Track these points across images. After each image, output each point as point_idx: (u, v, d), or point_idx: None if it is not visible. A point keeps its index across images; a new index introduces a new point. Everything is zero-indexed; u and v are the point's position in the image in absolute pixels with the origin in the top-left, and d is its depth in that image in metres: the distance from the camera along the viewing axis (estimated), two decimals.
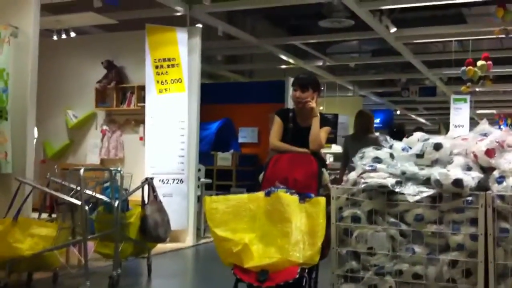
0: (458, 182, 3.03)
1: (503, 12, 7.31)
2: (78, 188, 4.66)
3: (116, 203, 4.87)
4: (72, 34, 8.14)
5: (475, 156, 3.19)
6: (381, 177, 3.22)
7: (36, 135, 6.48)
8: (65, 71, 8.22)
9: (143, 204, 5.34)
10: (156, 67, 7.25)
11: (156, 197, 5.40)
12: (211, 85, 12.39)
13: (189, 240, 7.32)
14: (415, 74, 13.18)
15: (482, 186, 3.06)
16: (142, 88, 7.53)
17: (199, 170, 7.83)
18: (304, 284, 3.16)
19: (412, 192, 3.12)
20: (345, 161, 6.06)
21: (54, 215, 5.13)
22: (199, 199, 7.55)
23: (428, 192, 3.10)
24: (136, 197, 5.48)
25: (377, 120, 15.47)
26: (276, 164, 3.76)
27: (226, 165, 9.92)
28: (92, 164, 7.77)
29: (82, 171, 4.56)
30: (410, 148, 3.43)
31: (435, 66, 12.52)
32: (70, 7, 7.39)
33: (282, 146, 3.91)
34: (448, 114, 12.57)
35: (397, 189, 3.16)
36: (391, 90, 16.11)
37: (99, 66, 7.83)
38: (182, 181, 7.15)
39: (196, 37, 7.43)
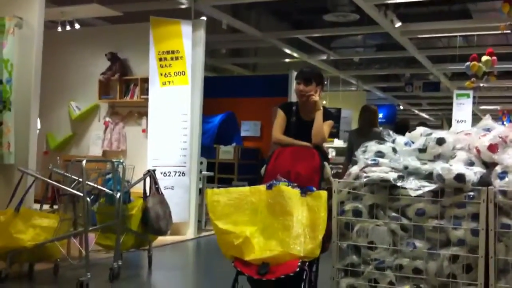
0: (460, 177, 3.02)
1: (509, 7, 7.26)
2: (80, 180, 4.67)
3: (118, 195, 4.87)
4: (77, 26, 8.13)
5: (478, 151, 3.18)
6: (383, 171, 3.22)
7: (39, 126, 6.49)
8: (69, 62, 8.22)
9: (144, 196, 5.34)
10: (160, 59, 7.24)
11: (158, 189, 5.41)
12: (215, 78, 12.38)
13: (190, 232, 7.34)
14: (419, 69, 13.14)
15: (484, 181, 3.05)
16: (145, 81, 7.53)
17: (201, 163, 7.84)
18: (304, 277, 3.16)
19: (414, 186, 3.11)
20: (350, 155, 6.07)
21: (55, 206, 5.14)
22: (201, 192, 7.56)
23: (430, 186, 3.09)
24: (138, 189, 5.49)
25: (380, 115, 15.37)
26: (278, 157, 3.75)
27: (228, 158, 9.92)
28: (95, 156, 7.79)
29: (84, 162, 4.57)
30: (413, 142, 3.42)
31: (440, 61, 12.48)
32: None
33: (284, 140, 3.90)
34: (452, 109, 12.55)
35: (399, 184, 3.15)
36: (395, 85, 16.08)
37: (102, 58, 7.83)
38: (184, 174, 7.15)
39: (200, 30, 7.42)
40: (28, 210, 4.76)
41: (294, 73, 4.16)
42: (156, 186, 5.40)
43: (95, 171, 5.44)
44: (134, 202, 5.31)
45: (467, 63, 9.16)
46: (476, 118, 11.48)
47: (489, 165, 3.15)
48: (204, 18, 7.62)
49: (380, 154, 3.38)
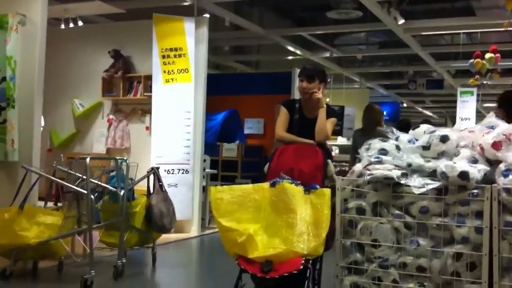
0: (464, 175, 3.02)
1: None
2: (84, 177, 4.68)
3: (122, 192, 4.88)
4: (80, 23, 8.14)
5: (482, 148, 3.18)
6: (387, 169, 3.22)
7: (42, 123, 6.50)
8: (72, 60, 8.23)
9: (148, 193, 5.35)
10: (163, 56, 7.25)
11: (161, 187, 5.41)
12: (218, 75, 12.38)
13: (194, 230, 7.35)
14: (423, 66, 13.11)
15: (488, 179, 3.05)
16: (148, 78, 7.54)
17: (205, 160, 7.84)
18: (308, 275, 3.16)
19: (417, 184, 3.11)
20: (354, 155, 6.08)
21: (60, 204, 5.15)
22: (204, 190, 7.56)
23: (433, 184, 3.09)
24: (141, 186, 5.49)
25: (384, 113, 15.41)
26: (281, 155, 3.75)
27: (231, 156, 9.92)
28: (98, 153, 7.80)
29: (88, 160, 4.57)
30: (417, 140, 3.42)
31: (443, 59, 12.44)
32: None
33: (288, 137, 3.90)
34: (455, 107, 12.51)
35: (402, 181, 3.15)
36: (398, 83, 16.03)
37: (106, 55, 7.83)
38: (188, 171, 7.16)
39: (203, 27, 7.42)
40: (32, 208, 4.77)
41: (297, 71, 4.17)
42: (160, 183, 5.41)
43: (99, 169, 5.45)
44: (138, 199, 5.31)
45: (471, 61, 9.13)
46: (479, 116, 11.44)
47: (493, 163, 3.14)
48: (207, 15, 7.62)
49: (383, 151, 3.38)
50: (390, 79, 15.91)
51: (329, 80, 13.17)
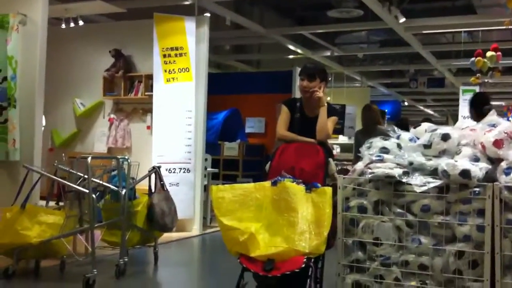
0: (465, 173, 3.02)
1: None
2: (86, 176, 4.68)
3: (123, 191, 4.89)
4: (80, 23, 8.15)
5: (483, 147, 3.18)
6: (388, 167, 3.22)
7: (44, 123, 6.50)
8: (73, 59, 8.24)
9: (150, 192, 5.35)
10: (164, 56, 7.25)
11: (163, 186, 5.41)
12: (219, 75, 12.38)
13: (195, 229, 7.35)
14: (424, 65, 13.10)
15: (490, 177, 3.05)
16: (149, 77, 7.54)
17: (206, 159, 7.84)
18: (310, 273, 3.16)
19: (419, 182, 3.11)
20: (357, 155, 6.12)
21: (61, 203, 5.16)
22: (206, 189, 7.57)
23: (435, 182, 3.09)
24: (143, 186, 5.50)
25: (385, 111, 15.41)
26: (282, 153, 3.75)
27: (232, 155, 9.92)
28: (100, 153, 7.81)
29: (89, 159, 4.58)
30: (418, 138, 3.42)
31: (444, 57, 12.44)
32: None
33: (289, 136, 3.90)
34: (456, 105, 12.51)
35: (404, 180, 3.16)
36: (399, 81, 16.03)
37: (107, 54, 7.84)
38: (189, 171, 7.17)
39: (204, 27, 7.42)
40: (34, 207, 4.78)
41: (298, 70, 4.16)
42: (161, 182, 5.41)
43: (100, 168, 5.45)
44: (139, 198, 5.32)
45: (472, 59, 9.13)
46: None
47: (495, 161, 3.14)
48: (207, 14, 7.62)
49: (385, 150, 3.38)
50: (391, 77, 15.91)
51: (330, 79, 13.17)
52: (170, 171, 7.02)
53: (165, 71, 7.24)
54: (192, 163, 7.19)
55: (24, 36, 5.49)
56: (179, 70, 7.23)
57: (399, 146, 3.40)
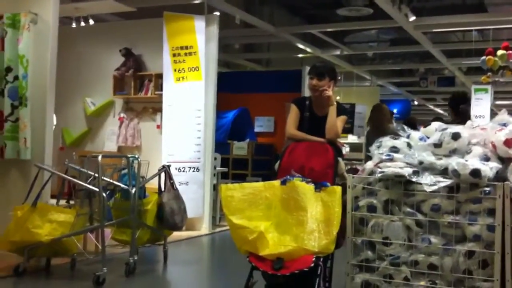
0: (476, 172, 3.01)
1: None
2: (96, 175, 4.71)
3: (133, 190, 4.90)
4: (91, 22, 8.18)
5: (494, 146, 3.17)
6: (398, 167, 3.21)
7: (55, 122, 6.54)
8: (83, 58, 8.28)
9: (160, 191, 5.37)
10: (174, 55, 7.26)
11: (173, 184, 5.43)
12: (228, 74, 12.39)
13: (204, 228, 7.37)
14: (434, 64, 13.03)
15: (500, 177, 3.04)
16: (159, 76, 7.56)
17: (215, 158, 7.85)
18: (319, 273, 3.16)
19: (429, 182, 3.10)
20: (368, 154, 6.16)
21: (72, 202, 5.19)
22: (215, 188, 7.58)
23: (445, 182, 3.08)
24: (153, 184, 5.52)
25: (395, 111, 15.34)
26: (292, 152, 3.76)
27: (242, 154, 9.93)
28: (110, 152, 7.84)
29: (100, 158, 4.60)
30: (428, 137, 3.41)
31: (454, 56, 12.36)
32: None
33: (299, 135, 3.90)
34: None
35: (414, 179, 3.15)
36: (409, 80, 15.96)
37: (117, 53, 7.87)
38: (198, 170, 7.18)
39: (213, 25, 7.43)
40: (45, 205, 4.81)
41: (307, 68, 4.15)
42: (171, 181, 5.42)
43: (110, 167, 5.48)
44: (149, 197, 5.33)
45: (483, 58, 9.08)
46: (491, 113, 11.37)
47: (505, 160, 3.13)
48: (217, 13, 7.63)
49: (394, 149, 3.37)
50: (401, 76, 15.83)
51: (339, 78, 13.14)
52: (179, 170, 7.03)
53: (175, 70, 7.26)
54: (202, 162, 7.21)
55: (35, 35, 5.52)
56: (189, 69, 7.24)
57: (409, 145, 3.39)
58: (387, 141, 3.45)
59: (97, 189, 4.61)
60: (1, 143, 5.51)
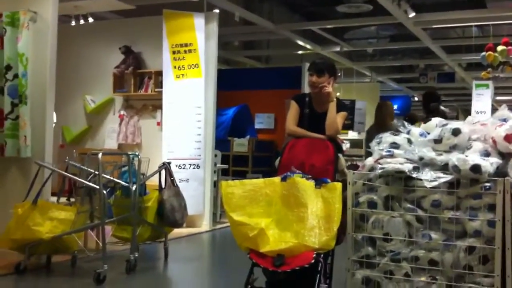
0: (476, 168, 3.01)
1: None
2: (96, 172, 4.71)
3: (134, 187, 4.91)
4: (90, 20, 8.18)
5: (494, 141, 3.16)
6: (398, 163, 3.21)
7: (55, 119, 6.54)
8: (83, 56, 8.27)
9: (160, 188, 5.37)
10: (173, 52, 7.26)
11: (173, 181, 5.43)
12: (228, 71, 12.38)
13: (205, 225, 7.38)
14: (434, 60, 13.03)
15: (501, 172, 3.04)
16: (159, 74, 7.56)
17: (216, 155, 7.86)
18: (319, 269, 3.17)
19: (429, 177, 3.10)
20: (368, 150, 6.18)
21: (72, 199, 5.19)
22: (215, 185, 7.58)
23: (445, 178, 3.08)
24: (153, 181, 5.52)
25: (395, 107, 15.33)
26: (292, 149, 3.76)
27: (242, 151, 9.93)
28: (110, 149, 7.84)
29: (100, 155, 4.60)
30: (428, 133, 3.41)
31: (454, 52, 12.36)
32: None
33: (299, 132, 3.90)
34: (467, 100, 12.43)
35: (414, 175, 3.15)
36: (409, 76, 15.96)
37: (116, 51, 7.86)
38: (199, 167, 7.18)
39: (213, 23, 7.42)
40: (46, 203, 4.81)
41: (307, 65, 4.15)
42: (172, 178, 5.42)
43: (111, 164, 5.48)
44: (149, 194, 5.34)
45: (483, 53, 9.07)
46: (492, 109, 11.37)
47: (506, 156, 3.13)
48: (216, 10, 7.62)
49: (395, 145, 3.37)
50: (401, 72, 15.83)
51: (339, 74, 13.13)
52: (180, 167, 7.04)
53: (175, 67, 7.25)
54: (202, 159, 7.21)
55: (34, 34, 5.51)
56: (189, 67, 7.24)
57: (409, 141, 3.39)
58: (387, 137, 3.45)
59: (97, 187, 4.61)
60: (1, 141, 5.51)
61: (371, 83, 15.26)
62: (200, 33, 7.23)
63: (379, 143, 3.46)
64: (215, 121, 7.64)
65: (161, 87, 7.41)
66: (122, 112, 8.02)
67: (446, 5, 9.30)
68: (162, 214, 5.23)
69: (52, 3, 5.59)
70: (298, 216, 3.27)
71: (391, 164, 3.22)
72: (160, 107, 7.54)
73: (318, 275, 3.15)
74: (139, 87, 7.93)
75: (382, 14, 8.99)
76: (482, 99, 11.78)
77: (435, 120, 3.52)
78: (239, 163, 9.87)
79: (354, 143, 12.59)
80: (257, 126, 10.96)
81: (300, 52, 12.25)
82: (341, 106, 3.96)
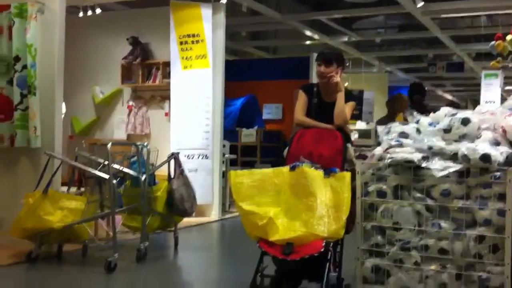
0: (486, 157, 3.00)
1: None
2: (106, 163, 4.74)
3: (143, 177, 4.93)
4: (98, 11, 8.19)
5: (504, 131, 3.15)
6: (408, 152, 3.21)
7: (64, 110, 6.57)
8: (91, 47, 8.29)
9: (169, 178, 5.39)
10: (181, 43, 7.27)
11: (182, 171, 5.45)
12: (236, 61, 12.36)
13: (214, 214, 7.41)
14: (442, 49, 12.94)
15: (510, 161, 3.03)
16: (167, 64, 7.56)
17: (224, 146, 7.87)
18: (329, 257, 3.18)
19: (439, 167, 3.10)
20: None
21: (82, 189, 5.23)
22: (224, 175, 7.61)
23: (455, 167, 3.08)
24: (162, 171, 5.54)
25: None
26: (300, 139, 3.76)
27: (250, 141, 9.94)
28: (119, 140, 7.87)
29: (109, 145, 4.62)
30: (437, 123, 3.40)
31: (463, 41, 12.28)
32: None
33: (307, 121, 3.90)
34: (476, 90, 12.37)
35: (423, 164, 3.14)
36: (417, 66, 15.85)
37: (124, 42, 7.88)
38: (207, 157, 7.20)
39: (220, 13, 7.41)
40: (56, 193, 4.85)
41: (315, 55, 4.15)
42: (181, 168, 5.45)
43: (120, 154, 5.50)
44: (159, 184, 5.36)
45: (492, 43, 9.00)
46: (501, 98, 11.31)
47: None
48: (224, 1, 7.60)
49: (404, 135, 3.37)
50: (410, 62, 15.74)
51: (347, 64, 13.08)
52: (188, 157, 7.06)
53: (182, 58, 7.26)
54: (210, 150, 7.23)
55: (42, 25, 5.52)
56: (196, 57, 7.25)
57: (418, 130, 3.39)
58: (396, 127, 3.45)
59: (107, 176, 4.64)
60: (11, 132, 5.54)
61: (380, 73, 15.19)
62: (207, 24, 7.22)
63: (388, 132, 3.45)
64: (223, 112, 7.64)
65: (169, 77, 7.43)
66: (130, 103, 8.04)
67: None
68: (172, 204, 5.25)
69: None
70: (307, 205, 3.28)
71: (400, 154, 3.22)
72: (168, 97, 7.56)
73: (327, 264, 3.17)
74: (147, 78, 7.95)
75: (390, 3, 8.93)
76: (491, 88, 11.72)
77: (444, 110, 3.51)
78: (248, 154, 9.88)
79: (363, 133, 12.56)
80: (265, 116, 10.95)
81: (308, 42, 12.21)
82: (349, 96, 3.96)
